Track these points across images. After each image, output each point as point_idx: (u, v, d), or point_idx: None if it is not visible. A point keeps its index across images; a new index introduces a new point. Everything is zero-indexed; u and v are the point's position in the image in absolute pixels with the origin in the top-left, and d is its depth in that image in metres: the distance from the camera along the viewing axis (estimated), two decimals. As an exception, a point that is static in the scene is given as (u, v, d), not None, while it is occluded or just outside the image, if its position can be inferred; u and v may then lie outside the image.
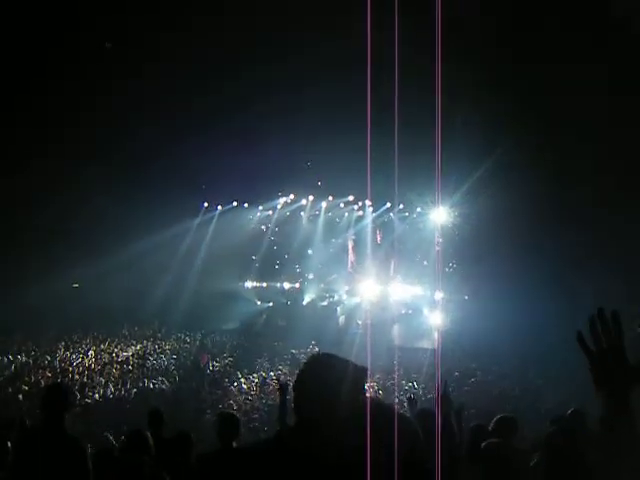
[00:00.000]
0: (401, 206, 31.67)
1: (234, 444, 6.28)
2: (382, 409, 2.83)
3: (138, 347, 25.76)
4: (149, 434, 6.27)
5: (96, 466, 5.46)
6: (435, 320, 29.59)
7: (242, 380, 21.72)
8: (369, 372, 2.86)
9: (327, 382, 2.76)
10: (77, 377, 20.90)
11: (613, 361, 2.54)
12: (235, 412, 6.97)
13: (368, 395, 2.82)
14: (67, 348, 24.52)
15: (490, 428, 6.84)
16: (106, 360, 23.42)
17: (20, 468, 5.41)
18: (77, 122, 25.64)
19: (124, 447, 6.52)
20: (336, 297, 32.53)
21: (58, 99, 24.31)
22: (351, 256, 34.39)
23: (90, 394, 19.26)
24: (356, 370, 2.81)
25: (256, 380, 21.65)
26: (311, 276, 34.23)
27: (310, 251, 34.96)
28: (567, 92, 21.61)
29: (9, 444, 6.00)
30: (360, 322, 28.97)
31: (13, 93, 23.52)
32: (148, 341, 26.70)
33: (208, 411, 17.40)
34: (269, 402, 18.49)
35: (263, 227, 35.42)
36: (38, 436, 5.60)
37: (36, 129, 25.40)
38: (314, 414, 2.77)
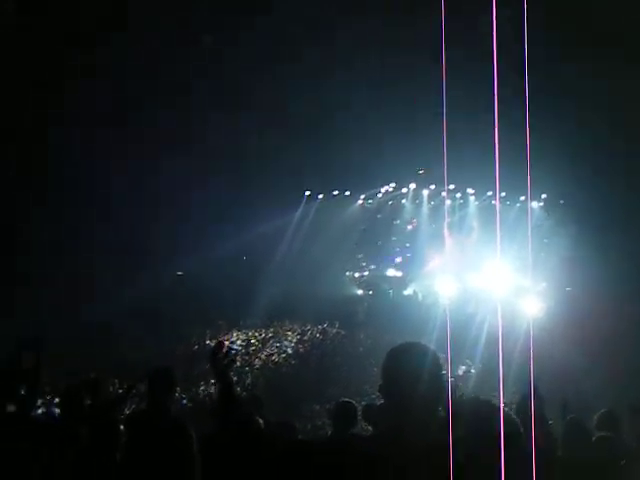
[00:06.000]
0: (503, 194, 31.25)
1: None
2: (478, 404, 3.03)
3: (244, 336, 26.07)
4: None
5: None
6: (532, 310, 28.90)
7: (345, 368, 21.79)
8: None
9: (410, 368, 3.05)
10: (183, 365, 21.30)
11: None
12: (353, 401, 7.01)
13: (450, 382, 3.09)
14: (178, 338, 24.95)
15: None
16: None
17: (131, 450, 5.56)
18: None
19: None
20: (437, 287, 32.20)
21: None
22: (453, 245, 34.04)
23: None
24: (434, 357, 3.11)
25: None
26: (413, 265, 34.08)
27: (412, 240, 34.89)
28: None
29: (121, 427, 6.18)
30: (466, 312, 28.50)
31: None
32: (251, 330, 26.97)
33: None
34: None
35: (364, 215, 35.38)
36: (145, 419, 5.76)
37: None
38: (400, 398, 3.06)
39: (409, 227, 35.15)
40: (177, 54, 23.87)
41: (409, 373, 3.03)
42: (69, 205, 25.71)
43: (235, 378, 20.33)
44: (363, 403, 17.39)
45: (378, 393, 3.25)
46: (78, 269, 25.42)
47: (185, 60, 24.43)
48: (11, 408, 5.77)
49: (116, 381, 18.11)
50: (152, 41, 22.44)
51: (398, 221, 35.11)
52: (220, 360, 3.92)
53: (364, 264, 35.31)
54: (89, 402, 8.48)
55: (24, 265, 24.70)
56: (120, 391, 10.47)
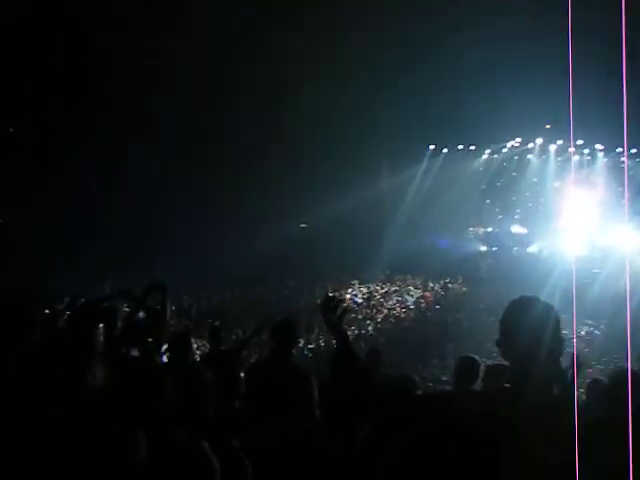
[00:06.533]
0: (633, 150, 30.16)
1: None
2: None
3: (366, 289, 26.21)
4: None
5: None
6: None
7: (466, 324, 21.70)
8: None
9: (532, 322, 2.93)
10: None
11: None
12: (476, 357, 7.00)
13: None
14: (300, 290, 25.31)
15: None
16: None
17: (250, 399, 5.69)
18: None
19: None
20: (562, 245, 31.42)
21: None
22: (580, 203, 33.06)
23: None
24: (556, 315, 2.99)
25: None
26: (538, 222, 33.38)
27: (538, 197, 34.21)
28: None
29: (242, 374, 6.33)
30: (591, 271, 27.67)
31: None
32: (373, 284, 27.07)
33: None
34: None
35: (490, 170, 34.80)
36: (266, 369, 5.88)
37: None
38: (519, 355, 2.96)
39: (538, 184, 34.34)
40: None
41: (530, 327, 2.91)
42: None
43: (356, 331, 20.60)
44: (484, 360, 17.37)
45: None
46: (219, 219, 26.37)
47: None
48: (135, 353, 5.92)
49: (240, 331, 18.56)
50: None
51: (535, 179, 34.31)
52: (331, 313, 3.91)
53: (500, 217, 34.81)
54: (211, 348, 8.79)
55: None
56: (242, 340, 10.74)
